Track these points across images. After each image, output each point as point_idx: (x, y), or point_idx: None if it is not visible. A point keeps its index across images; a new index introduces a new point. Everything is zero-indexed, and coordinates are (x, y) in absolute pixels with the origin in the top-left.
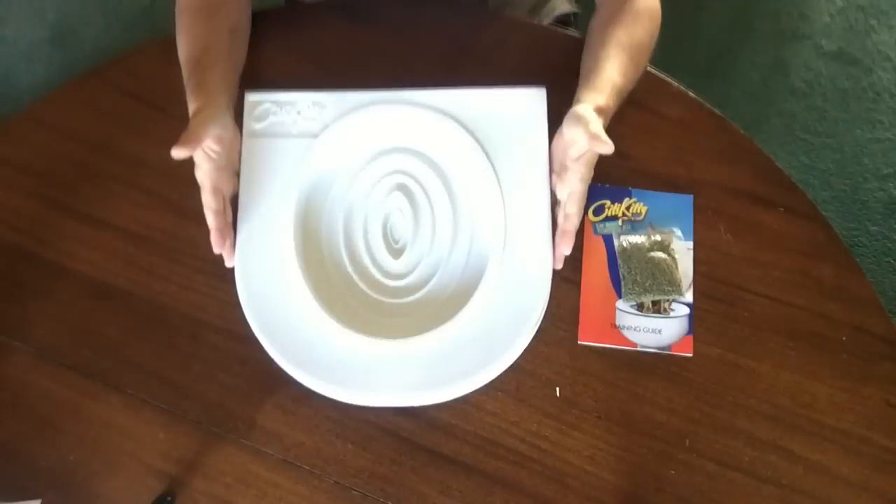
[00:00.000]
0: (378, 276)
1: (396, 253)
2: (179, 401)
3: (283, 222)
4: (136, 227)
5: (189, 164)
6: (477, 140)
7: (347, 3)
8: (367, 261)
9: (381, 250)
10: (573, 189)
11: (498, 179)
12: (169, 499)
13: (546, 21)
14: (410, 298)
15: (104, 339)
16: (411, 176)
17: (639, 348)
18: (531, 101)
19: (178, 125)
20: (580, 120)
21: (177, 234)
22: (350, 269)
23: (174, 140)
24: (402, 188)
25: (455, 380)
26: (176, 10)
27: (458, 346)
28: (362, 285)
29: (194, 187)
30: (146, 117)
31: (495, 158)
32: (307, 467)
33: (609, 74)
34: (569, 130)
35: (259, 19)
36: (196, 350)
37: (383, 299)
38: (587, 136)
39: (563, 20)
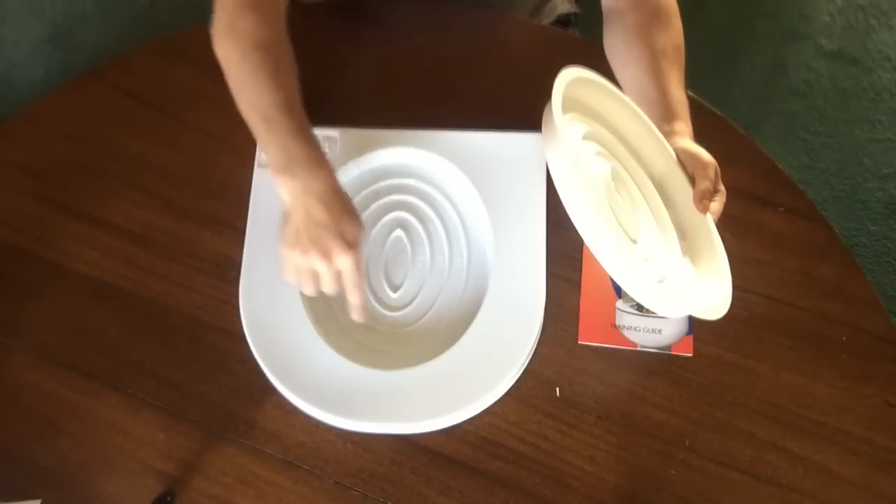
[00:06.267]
0: (377, 306)
1: (395, 286)
2: (179, 401)
3: None
4: (136, 227)
5: (188, 163)
6: (477, 180)
7: (347, 3)
8: (367, 293)
9: (381, 283)
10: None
11: (494, 216)
12: (169, 499)
13: (546, 21)
14: (408, 329)
15: (104, 339)
16: (412, 213)
17: (639, 348)
18: (532, 144)
19: (178, 125)
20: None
21: (177, 234)
22: None
23: (174, 140)
24: (403, 224)
25: (451, 409)
26: (233, 44)
27: (452, 377)
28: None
29: (194, 187)
30: (146, 117)
31: (495, 197)
32: (307, 467)
33: (678, 95)
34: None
35: None
36: (196, 350)
37: (382, 330)
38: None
39: (564, 20)
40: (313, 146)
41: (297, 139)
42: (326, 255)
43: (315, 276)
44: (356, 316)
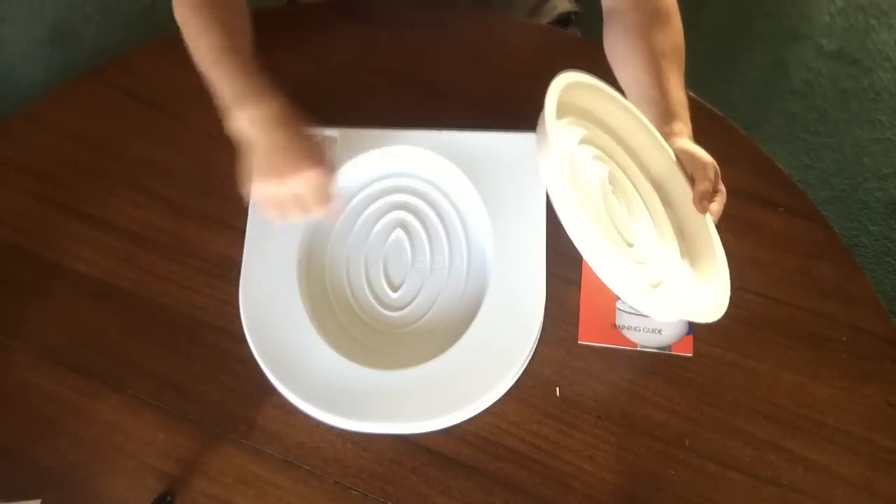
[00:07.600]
0: (377, 306)
1: (395, 286)
2: (179, 401)
3: (289, 252)
4: (136, 227)
5: (188, 163)
6: (477, 180)
7: (347, 3)
8: (367, 293)
9: (381, 283)
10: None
11: (494, 216)
12: (169, 499)
13: (546, 20)
14: (408, 329)
15: (104, 339)
16: (412, 212)
17: (639, 348)
18: (532, 144)
19: (178, 125)
20: (706, 167)
21: (177, 234)
22: (352, 301)
23: (174, 140)
24: (403, 224)
25: (451, 409)
26: (188, 6)
27: (452, 377)
28: (363, 317)
29: (194, 187)
30: (146, 117)
31: (495, 197)
32: (307, 467)
33: (677, 96)
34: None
35: (259, 19)
36: (196, 350)
37: (382, 330)
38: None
39: (564, 19)
40: (261, 80)
41: (243, 74)
42: (302, 173)
43: (298, 202)
44: (330, 218)
